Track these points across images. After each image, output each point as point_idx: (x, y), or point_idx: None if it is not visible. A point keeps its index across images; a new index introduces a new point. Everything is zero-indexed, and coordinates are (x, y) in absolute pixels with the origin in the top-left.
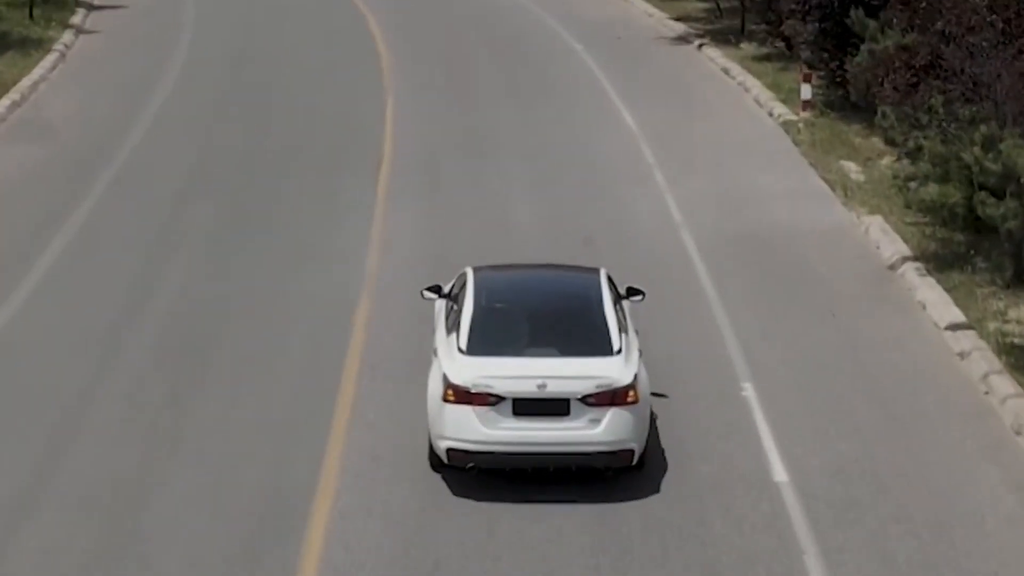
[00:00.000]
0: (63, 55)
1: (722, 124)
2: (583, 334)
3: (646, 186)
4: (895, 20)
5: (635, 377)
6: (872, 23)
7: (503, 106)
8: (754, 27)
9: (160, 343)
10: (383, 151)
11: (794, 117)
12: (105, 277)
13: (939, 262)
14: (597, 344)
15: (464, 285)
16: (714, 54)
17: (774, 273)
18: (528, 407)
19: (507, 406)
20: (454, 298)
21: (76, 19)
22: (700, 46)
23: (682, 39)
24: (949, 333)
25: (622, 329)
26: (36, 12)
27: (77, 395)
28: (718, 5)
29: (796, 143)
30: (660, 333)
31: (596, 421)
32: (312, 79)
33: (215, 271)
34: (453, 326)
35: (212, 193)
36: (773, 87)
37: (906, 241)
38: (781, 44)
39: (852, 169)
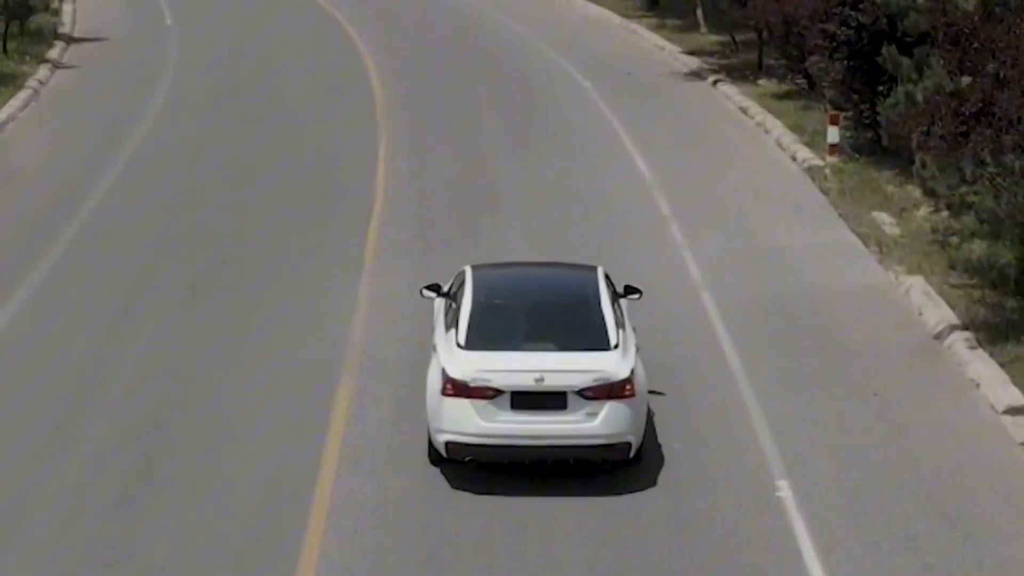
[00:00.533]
0: (36, 92)
1: (742, 170)
2: (581, 329)
3: (662, 241)
4: (942, 62)
5: (632, 371)
6: (906, 61)
7: (504, 148)
8: (772, 62)
9: (114, 428)
10: (375, 200)
11: (820, 162)
12: (62, 346)
13: (991, 331)
14: (594, 339)
15: (463, 282)
16: (731, 91)
17: (806, 343)
18: (526, 401)
19: (505, 399)
20: (453, 296)
21: (53, 53)
22: (715, 83)
23: (696, 75)
24: (1009, 418)
25: (619, 325)
26: (11, 46)
27: (16, 492)
28: (733, 38)
29: (823, 191)
30: (681, 415)
31: (593, 414)
32: (301, 120)
33: (185, 340)
34: (452, 322)
35: (185, 252)
36: (796, 128)
37: (952, 306)
38: (802, 80)
39: (886, 221)
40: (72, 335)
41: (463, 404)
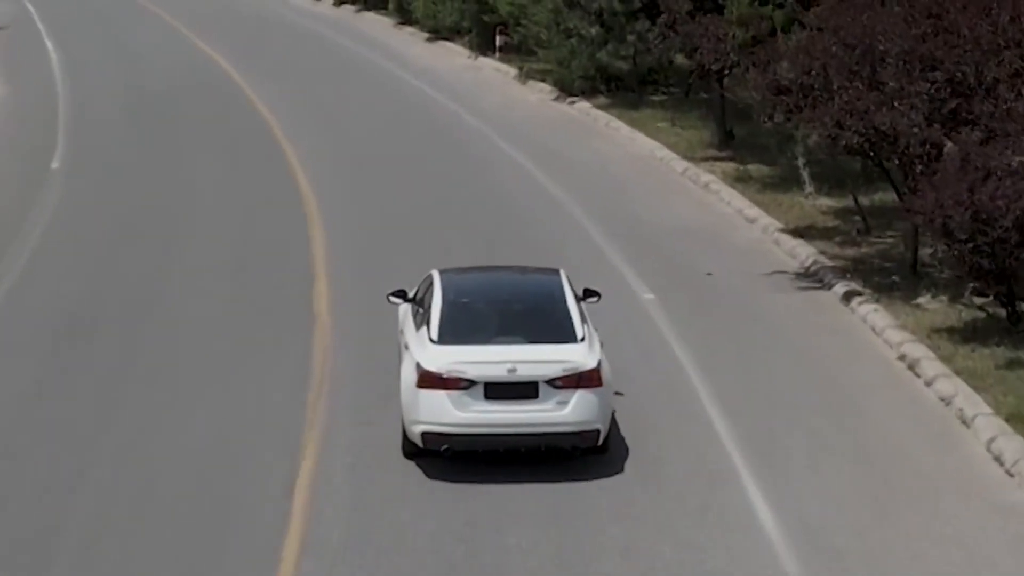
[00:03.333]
0: None
1: (957, 543)
2: (548, 323)
3: None
4: None
5: (599, 362)
6: None
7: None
8: (927, 250)
9: None
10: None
11: None
12: None
13: None
14: (562, 332)
15: (431, 285)
16: (878, 319)
17: None
18: (499, 391)
19: (479, 390)
20: (420, 301)
21: None
22: (848, 296)
23: (812, 277)
24: None
25: (584, 320)
26: None
27: None
28: (857, 203)
29: None
30: None
31: (563, 403)
32: (194, 385)
33: None
34: (423, 321)
35: None
36: (1017, 418)
37: None
38: (988, 299)
39: None
40: None
41: (438, 395)
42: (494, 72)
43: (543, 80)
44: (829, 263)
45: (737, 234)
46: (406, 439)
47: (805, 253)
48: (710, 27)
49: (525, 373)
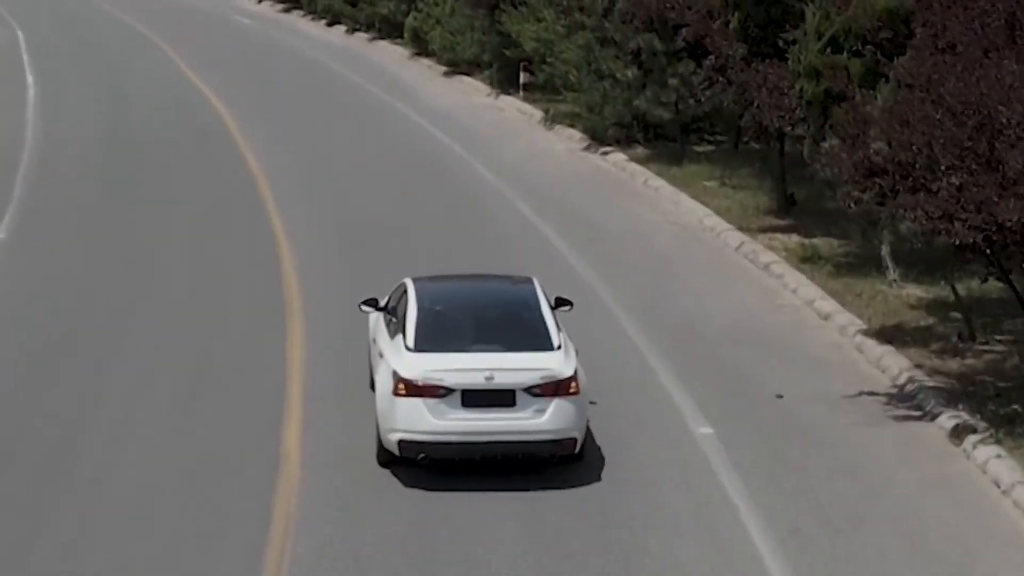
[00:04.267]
0: None
1: None
2: (524, 331)
3: None
4: None
5: (575, 370)
6: None
7: None
8: None
9: None
10: None
11: None
12: None
13: None
14: (538, 340)
15: (404, 293)
16: (1000, 468)
17: None
18: (476, 398)
19: (456, 398)
20: (392, 310)
21: None
22: (957, 431)
23: (909, 401)
24: None
25: (559, 328)
26: None
27: None
28: (955, 292)
29: None
30: None
31: (541, 411)
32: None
33: None
34: (398, 329)
35: None
36: None
37: None
38: None
39: None
40: None
41: (415, 403)
42: (517, 113)
43: (572, 126)
44: (928, 381)
45: (810, 337)
46: (381, 447)
47: (897, 366)
48: (769, 76)
49: (502, 381)
